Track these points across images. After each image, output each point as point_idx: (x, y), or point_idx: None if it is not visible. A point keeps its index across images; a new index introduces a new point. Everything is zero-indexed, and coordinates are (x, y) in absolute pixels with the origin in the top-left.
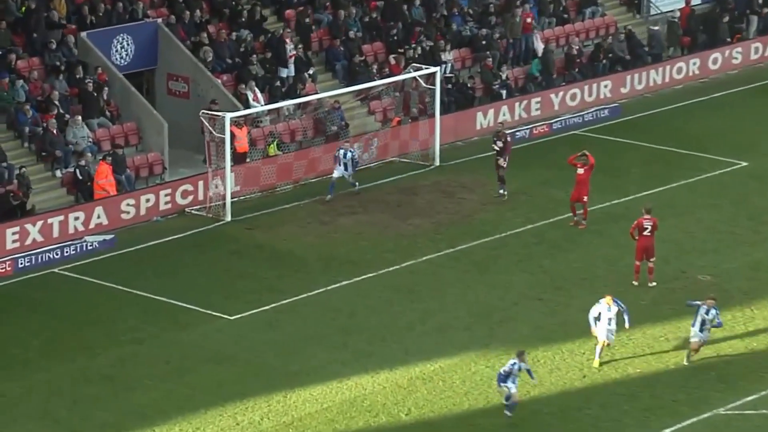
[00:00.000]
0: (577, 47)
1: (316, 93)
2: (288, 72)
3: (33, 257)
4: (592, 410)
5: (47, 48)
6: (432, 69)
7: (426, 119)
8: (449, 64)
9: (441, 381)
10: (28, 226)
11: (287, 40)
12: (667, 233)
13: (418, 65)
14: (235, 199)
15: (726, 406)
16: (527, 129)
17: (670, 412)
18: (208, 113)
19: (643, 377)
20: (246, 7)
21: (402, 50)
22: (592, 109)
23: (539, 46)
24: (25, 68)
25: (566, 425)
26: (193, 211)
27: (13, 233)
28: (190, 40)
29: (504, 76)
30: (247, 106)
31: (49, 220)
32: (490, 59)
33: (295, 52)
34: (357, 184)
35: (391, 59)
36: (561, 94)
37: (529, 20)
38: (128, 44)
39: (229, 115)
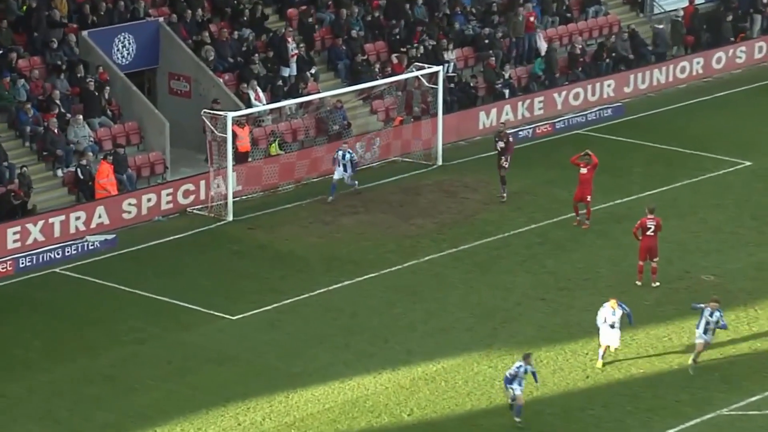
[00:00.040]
0: (581, 46)
1: (318, 92)
2: (290, 71)
3: (34, 257)
4: (595, 411)
5: (48, 47)
6: (434, 68)
7: (428, 119)
8: (452, 64)
9: (443, 381)
10: (29, 226)
11: (289, 39)
12: (671, 233)
13: (421, 64)
14: (237, 198)
15: (729, 407)
16: (530, 128)
17: (673, 413)
18: (209, 112)
19: (647, 378)
20: (248, 6)
21: (404, 49)
22: (596, 109)
23: (542, 45)
24: (26, 67)
25: (569, 426)
26: (194, 211)
27: (14, 233)
28: (191, 39)
29: (507, 76)
30: (248, 105)
31: (51, 220)
32: (493, 58)
33: (297, 51)
34: (357, 183)
35: (394, 58)
36: (564, 93)
37: (532, 19)
38: (130, 43)
39: (230, 115)
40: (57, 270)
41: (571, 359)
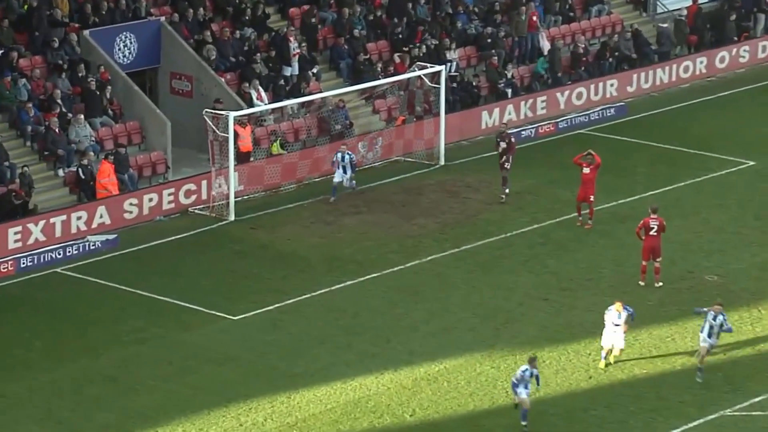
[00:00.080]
0: (583, 46)
1: (320, 92)
2: (292, 71)
3: (35, 257)
4: (598, 411)
5: (50, 46)
6: (437, 68)
7: (431, 118)
8: (454, 63)
9: (446, 382)
10: (31, 226)
11: (291, 39)
12: (674, 233)
13: (423, 64)
14: (239, 198)
15: (733, 408)
16: (533, 128)
17: (677, 414)
18: (211, 112)
19: (650, 378)
20: (249, 6)
21: (407, 49)
22: (598, 108)
23: (545, 45)
24: (27, 67)
25: (572, 426)
26: (196, 211)
27: (16, 233)
28: (193, 39)
29: (509, 75)
30: (250, 105)
31: (52, 220)
32: (496, 58)
33: (298, 51)
34: (355, 182)
35: (396, 58)
36: (567, 93)
37: (534, 18)
38: (131, 43)
39: (232, 114)
40: (58, 270)
41: (574, 360)
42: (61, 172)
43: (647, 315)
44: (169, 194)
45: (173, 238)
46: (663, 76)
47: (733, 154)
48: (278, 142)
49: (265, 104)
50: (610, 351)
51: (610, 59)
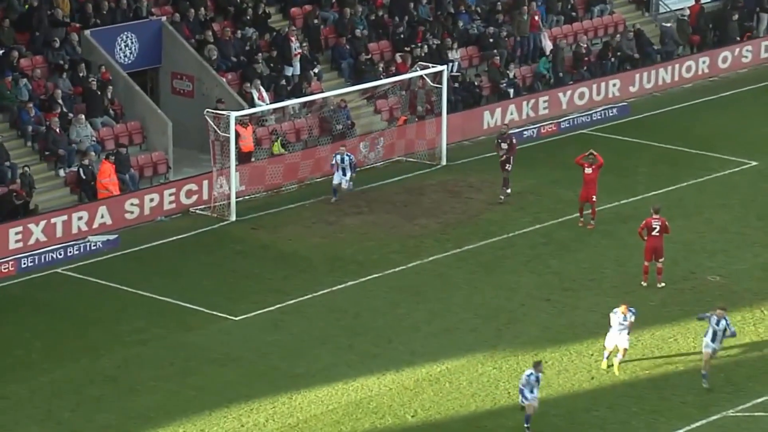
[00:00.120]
0: (586, 45)
1: (322, 92)
2: (293, 70)
3: (36, 257)
4: (600, 412)
5: (51, 46)
6: (439, 67)
7: (433, 118)
8: (456, 63)
9: (447, 382)
10: (31, 226)
11: (292, 39)
12: (676, 233)
13: (425, 64)
14: (240, 198)
15: (735, 408)
16: (535, 128)
17: (679, 414)
18: (212, 112)
19: (652, 379)
20: (250, 5)
21: (408, 49)
22: (601, 108)
23: (547, 45)
24: (28, 66)
25: (574, 427)
26: (197, 211)
27: (16, 233)
28: (194, 39)
29: (511, 75)
30: (252, 105)
31: (53, 220)
32: (498, 57)
33: (300, 51)
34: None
35: (398, 58)
36: (569, 92)
37: (536, 18)
38: (132, 42)
39: (233, 114)
40: (59, 270)
41: (576, 360)
42: (62, 172)
43: (649, 315)
44: (170, 194)
45: (174, 238)
46: (665, 76)
47: (735, 154)
48: (279, 141)
49: (267, 104)
50: (613, 352)
51: (613, 59)
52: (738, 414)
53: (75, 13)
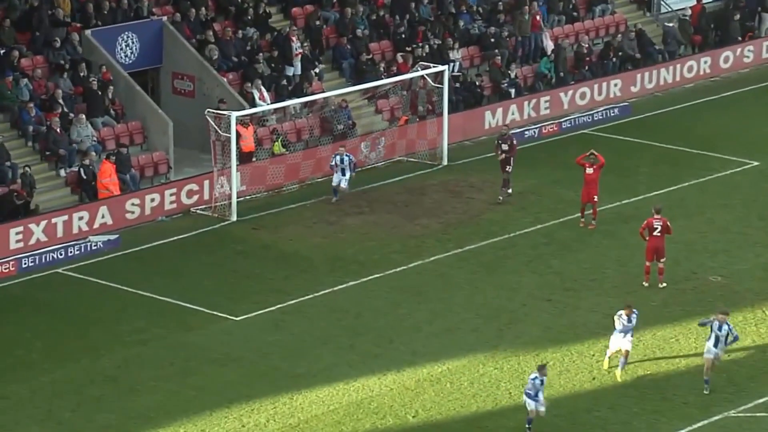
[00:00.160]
0: (587, 45)
1: (323, 92)
2: (294, 70)
3: (37, 257)
4: (601, 412)
5: (51, 46)
6: (440, 67)
7: (434, 118)
8: (457, 63)
9: (449, 383)
10: (32, 226)
11: (293, 39)
12: (678, 233)
13: (426, 64)
14: (241, 198)
15: (737, 409)
16: (536, 128)
17: (680, 415)
18: (213, 112)
19: (653, 379)
20: (251, 5)
21: (410, 48)
22: (602, 108)
23: (548, 45)
24: (29, 66)
25: (575, 427)
26: (198, 211)
27: (17, 233)
28: (195, 39)
29: (513, 75)
30: (253, 105)
31: (53, 220)
32: (499, 57)
33: (301, 51)
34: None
35: (399, 57)
36: (570, 92)
37: (538, 18)
38: (133, 42)
39: (234, 114)
40: (60, 270)
41: (578, 360)
42: (62, 172)
43: (651, 316)
44: (171, 194)
45: (175, 238)
46: (667, 76)
47: (737, 154)
48: (280, 141)
49: (268, 104)
50: (616, 355)
51: (614, 59)
52: (740, 414)
53: (76, 12)
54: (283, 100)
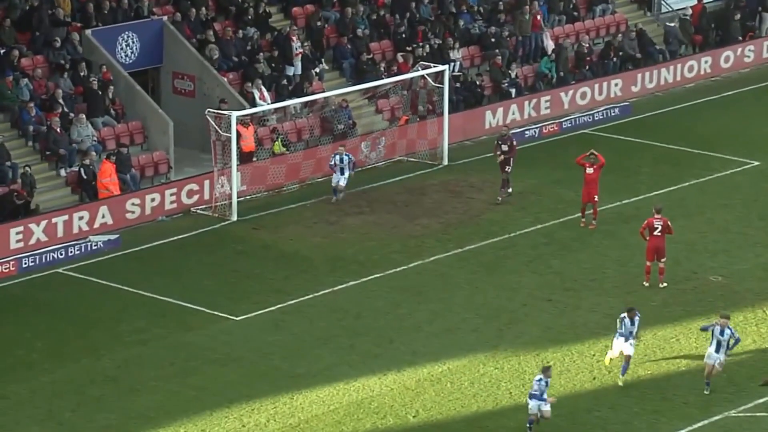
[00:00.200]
0: (588, 45)
1: (323, 91)
2: (294, 70)
3: (37, 257)
4: (602, 412)
5: (51, 46)
6: (440, 67)
7: (434, 118)
8: (458, 63)
9: (449, 383)
10: (32, 226)
11: (293, 38)
12: (678, 233)
13: (427, 63)
14: (241, 198)
15: (737, 409)
16: (537, 128)
17: (681, 415)
18: (214, 112)
19: (654, 379)
20: (251, 5)
21: (410, 48)
22: (603, 108)
23: (549, 44)
24: (29, 66)
25: (575, 427)
26: (198, 211)
27: (17, 233)
28: (195, 38)
29: (513, 75)
30: (253, 104)
31: (54, 220)
32: (499, 57)
33: (301, 50)
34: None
35: (399, 57)
36: (571, 92)
37: (538, 18)
38: (133, 42)
39: (235, 114)
40: (60, 270)
41: (578, 360)
42: (63, 172)
43: (651, 316)
44: (172, 194)
45: (175, 238)
46: (667, 75)
47: (737, 154)
48: (280, 140)
49: (268, 104)
50: (618, 358)
51: (615, 59)
52: (740, 414)
53: (76, 12)
54: (284, 100)
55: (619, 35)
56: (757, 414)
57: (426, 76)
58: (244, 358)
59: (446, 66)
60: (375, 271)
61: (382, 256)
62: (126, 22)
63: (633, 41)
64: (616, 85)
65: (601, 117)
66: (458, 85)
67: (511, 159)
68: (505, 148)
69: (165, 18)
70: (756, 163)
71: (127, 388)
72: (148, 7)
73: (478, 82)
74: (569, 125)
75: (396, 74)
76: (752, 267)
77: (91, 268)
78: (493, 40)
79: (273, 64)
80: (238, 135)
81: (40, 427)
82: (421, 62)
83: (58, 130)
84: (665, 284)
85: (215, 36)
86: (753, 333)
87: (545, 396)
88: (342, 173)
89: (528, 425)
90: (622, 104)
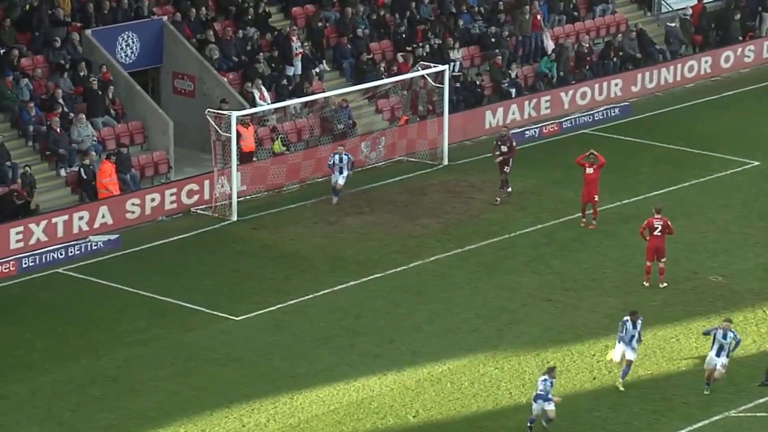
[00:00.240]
0: (588, 45)
1: (323, 91)
2: (294, 70)
3: (37, 257)
4: (602, 412)
5: (51, 46)
6: (440, 67)
7: (434, 118)
8: (458, 63)
9: (449, 383)
10: (32, 226)
11: (293, 38)
12: (678, 233)
13: (427, 63)
14: (241, 198)
15: (737, 409)
16: (537, 128)
17: (681, 415)
18: (214, 112)
19: (654, 379)
20: (251, 5)
21: (410, 48)
22: (603, 108)
23: (549, 44)
24: (29, 66)
25: (576, 427)
26: (198, 211)
27: (17, 233)
28: (195, 38)
29: (513, 75)
30: (253, 104)
31: (54, 220)
32: (500, 57)
33: (301, 50)
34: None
35: (399, 57)
36: (571, 92)
37: (538, 18)
38: (133, 42)
39: (235, 114)
40: (60, 270)
41: (578, 360)
42: (63, 172)
43: (651, 316)
44: (172, 194)
45: (175, 238)
46: (667, 75)
47: (737, 154)
48: (279, 139)
49: (268, 104)
50: (619, 363)
51: (615, 59)
52: (740, 414)
53: (76, 12)
54: (284, 100)
55: (620, 35)
56: (757, 414)
57: (426, 76)
58: (244, 358)
59: (446, 66)
60: (375, 271)
61: (382, 256)
62: (126, 22)
63: (633, 41)
64: (616, 85)
65: (601, 117)
66: (458, 85)
67: (510, 159)
68: (504, 148)
69: (165, 18)
70: (756, 163)
71: (127, 388)
72: (148, 7)
73: (478, 82)
74: (569, 125)
75: (396, 74)
76: (752, 267)
77: (91, 268)
78: (493, 40)
79: (273, 64)
80: (238, 135)
81: (40, 427)
82: (421, 62)
83: (58, 130)
84: (665, 284)
85: (215, 36)
86: (753, 333)
87: (550, 396)
88: (341, 173)
89: (529, 424)
90: (622, 104)
